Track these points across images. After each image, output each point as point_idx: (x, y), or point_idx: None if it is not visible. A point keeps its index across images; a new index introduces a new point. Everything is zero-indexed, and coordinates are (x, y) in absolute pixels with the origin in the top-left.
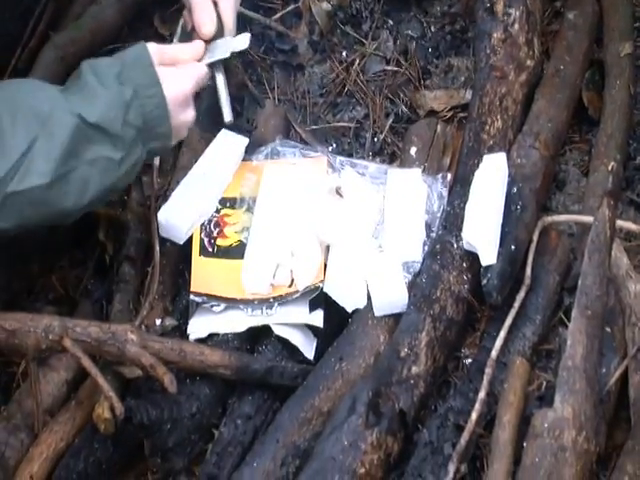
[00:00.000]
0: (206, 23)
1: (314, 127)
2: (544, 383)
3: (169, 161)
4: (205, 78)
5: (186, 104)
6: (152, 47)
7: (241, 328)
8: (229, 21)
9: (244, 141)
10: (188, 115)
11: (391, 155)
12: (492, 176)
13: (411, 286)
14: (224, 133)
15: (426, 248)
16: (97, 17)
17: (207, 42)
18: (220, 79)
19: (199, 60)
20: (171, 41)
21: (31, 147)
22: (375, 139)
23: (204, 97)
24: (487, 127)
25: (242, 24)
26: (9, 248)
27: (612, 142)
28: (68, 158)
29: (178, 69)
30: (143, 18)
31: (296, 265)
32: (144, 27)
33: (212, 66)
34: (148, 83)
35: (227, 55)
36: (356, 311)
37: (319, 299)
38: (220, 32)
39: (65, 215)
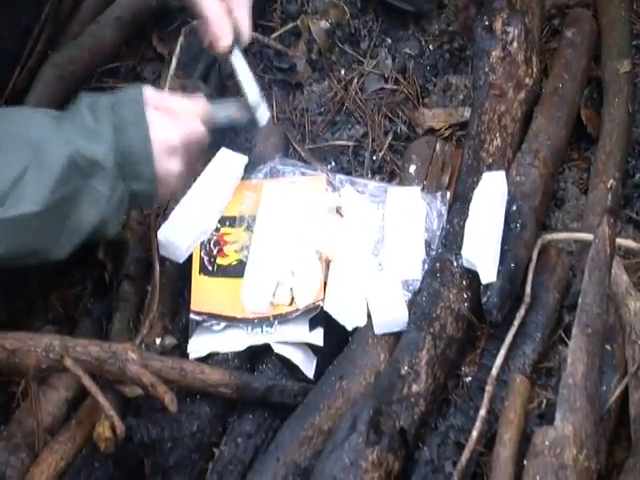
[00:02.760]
0: (223, 37)
1: (313, 145)
2: (544, 401)
3: None
4: (200, 137)
5: (172, 153)
6: (150, 91)
7: (241, 347)
8: (246, 31)
9: (243, 159)
10: (173, 166)
11: (390, 173)
12: (491, 194)
13: (411, 304)
14: (223, 152)
15: (426, 266)
16: (96, 36)
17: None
18: (243, 75)
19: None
20: (170, 60)
21: (22, 175)
22: (374, 157)
23: None
24: (486, 145)
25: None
26: (8, 268)
27: (611, 160)
28: (60, 187)
29: (171, 117)
30: (142, 37)
31: (296, 284)
32: (143, 46)
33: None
34: (134, 120)
35: (227, 120)
36: (356, 329)
37: (319, 317)
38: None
39: (57, 247)
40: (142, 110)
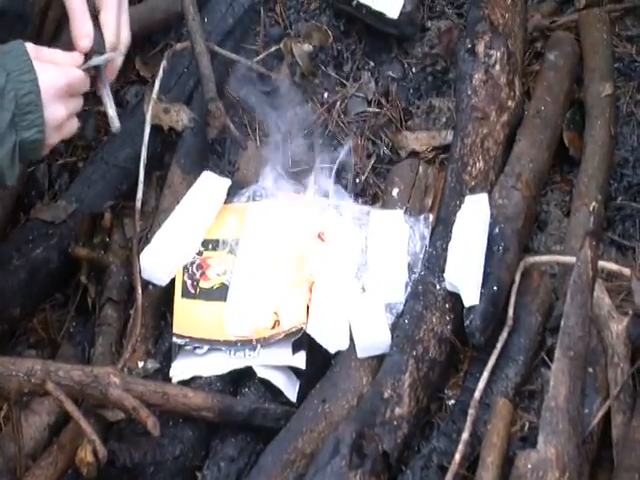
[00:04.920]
0: (82, 37)
1: (296, 169)
2: (527, 424)
3: (151, 203)
4: (81, 82)
5: (59, 99)
6: (29, 45)
7: (224, 370)
8: (110, 35)
9: (226, 183)
10: (60, 111)
11: (373, 196)
12: (474, 217)
13: (394, 327)
14: (206, 175)
15: (408, 289)
16: None
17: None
18: (103, 87)
19: None
20: (153, 83)
21: None
22: (357, 180)
23: (185, 137)
24: (469, 168)
25: (223, 65)
26: None
27: (593, 182)
28: None
29: (54, 65)
30: (125, 60)
31: (279, 307)
32: (126, 69)
33: (95, 77)
34: (22, 69)
35: (101, 62)
36: (339, 352)
37: (302, 341)
38: (101, 46)
39: None
40: (29, 60)
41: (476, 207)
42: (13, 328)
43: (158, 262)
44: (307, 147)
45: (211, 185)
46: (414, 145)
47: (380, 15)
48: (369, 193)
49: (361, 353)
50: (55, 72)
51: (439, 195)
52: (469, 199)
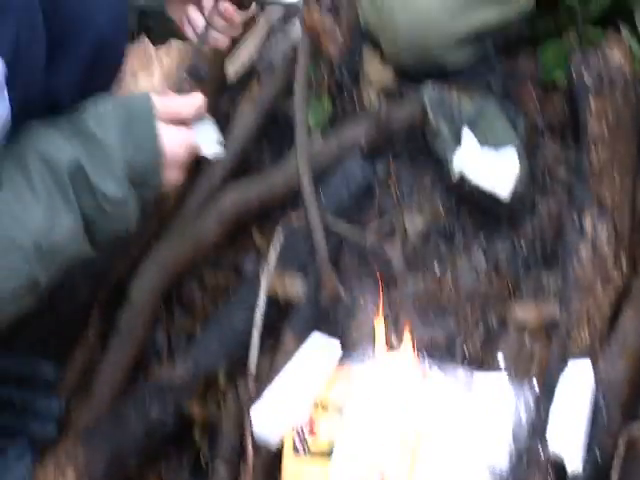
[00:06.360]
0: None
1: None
2: None
3: (264, 367)
4: (194, 146)
5: (178, 167)
6: (157, 100)
7: None
8: None
9: (336, 344)
10: (175, 175)
11: (479, 366)
12: (577, 382)
13: None
14: (316, 336)
15: (512, 453)
16: (199, 231)
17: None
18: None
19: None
20: (270, 254)
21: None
22: (465, 352)
23: (299, 305)
24: (574, 337)
25: (338, 237)
26: (109, 442)
27: None
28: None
29: (178, 130)
30: (242, 230)
31: (384, 468)
32: (242, 238)
33: None
34: (147, 138)
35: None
36: None
37: None
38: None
39: (84, 253)
40: (154, 129)
41: (579, 372)
42: None
43: (269, 423)
44: (418, 318)
45: (321, 346)
46: (522, 317)
47: (491, 195)
48: (476, 363)
49: None
50: (178, 143)
51: (544, 364)
52: (572, 364)
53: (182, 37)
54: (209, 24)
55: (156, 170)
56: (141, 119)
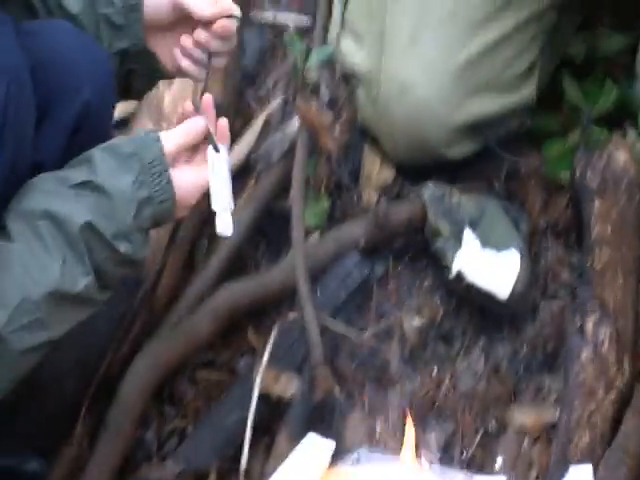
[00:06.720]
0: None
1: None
2: None
3: (257, 468)
4: (205, 184)
5: (188, 207)
6: (165, 142)
7: None
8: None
9: (330, 445)
10: (186, 211)
11: (478, 469)
12: None
13: None
14: (310, 436)
15: None
16: (192, 327)
17: None
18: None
19: None
20: (263, 352)
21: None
22: (463, 454)
23: (294, 405)
24: (574, 442)
25: (334, 338)
26: None
27: None
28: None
29: (190, 171)
30: (236, 328)
31: None
32: (237, 337)
33: None
34: (163, 195)
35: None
36: None
37: None
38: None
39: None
40: (169, 181)
41: (581, 478)
42: None
43: None
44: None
45: (315, 446)
46: (522, 421)
47: (490, 295)
48: (474, 466)
49: None
50: (190, 184)
51: (544, 469)
52: (573, 469)
53: (169, 75)
54: (207, 48)
55: (168, 215)
56: (153, 168)
